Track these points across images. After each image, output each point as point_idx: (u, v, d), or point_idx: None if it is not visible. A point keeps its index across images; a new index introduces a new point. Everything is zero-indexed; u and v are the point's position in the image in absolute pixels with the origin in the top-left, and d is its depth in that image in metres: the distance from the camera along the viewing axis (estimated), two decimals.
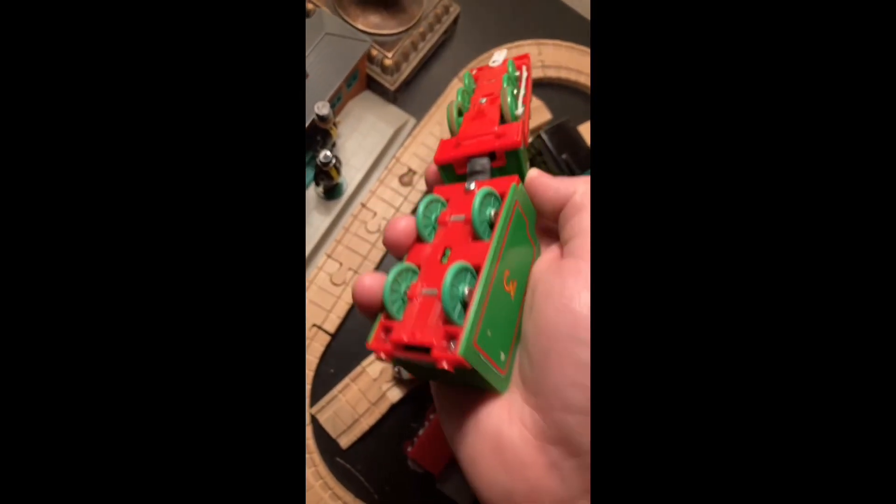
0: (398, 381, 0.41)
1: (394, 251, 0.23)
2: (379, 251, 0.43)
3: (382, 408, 0.40)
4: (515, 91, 0.25)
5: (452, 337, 0.17)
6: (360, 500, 0.40)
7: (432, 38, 0.49)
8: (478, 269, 0.19)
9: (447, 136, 0.47)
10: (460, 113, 0.26)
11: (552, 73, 0.51)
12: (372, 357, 0.41)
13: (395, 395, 0.41)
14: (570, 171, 0.42)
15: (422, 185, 0.45)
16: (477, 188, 0.22)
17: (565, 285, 0.19)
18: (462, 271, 0.19)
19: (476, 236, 0.20)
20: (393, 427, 0.41)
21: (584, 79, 0.51)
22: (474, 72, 0.30)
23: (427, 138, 0.47)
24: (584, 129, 0.47)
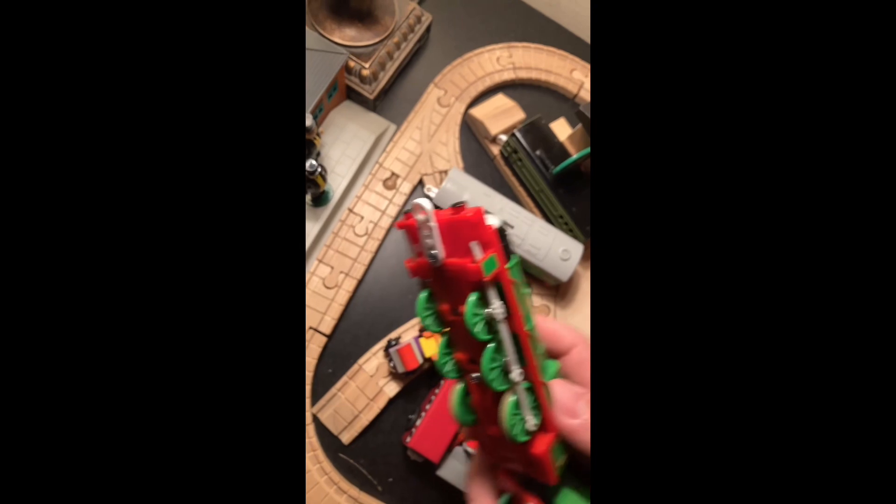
0: (394, 375, 0.43)
1: None
2: (368, 254, 0.45)
3: (381, 402, 0.42)
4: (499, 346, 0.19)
5: None
6: (364, 492, 0.41)
7: (407, 47, 0.51)
8: None
9: (426, 141, 0.49)
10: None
11: (523, 74, 0.53)
12: (368, 355, 0.43)
13: (392, 389, 0.42)
14: (545, 167, 0.44)
15: (404, 188, 0.47)
16: None
17: None
18: None
19: None
20: (391, 420, 0.43)
21: (553, 78, 0.53)
22: (401, 219, 0.24)
23: (408, 143, 0.49)
24: (556, 126, 0.49)
